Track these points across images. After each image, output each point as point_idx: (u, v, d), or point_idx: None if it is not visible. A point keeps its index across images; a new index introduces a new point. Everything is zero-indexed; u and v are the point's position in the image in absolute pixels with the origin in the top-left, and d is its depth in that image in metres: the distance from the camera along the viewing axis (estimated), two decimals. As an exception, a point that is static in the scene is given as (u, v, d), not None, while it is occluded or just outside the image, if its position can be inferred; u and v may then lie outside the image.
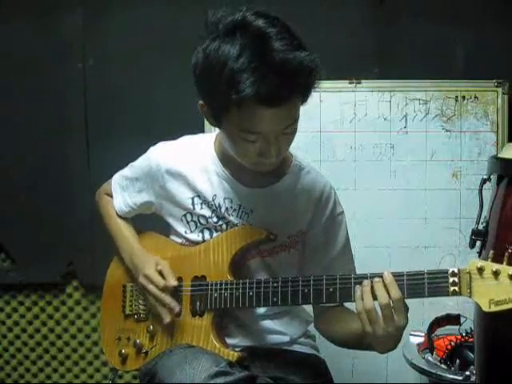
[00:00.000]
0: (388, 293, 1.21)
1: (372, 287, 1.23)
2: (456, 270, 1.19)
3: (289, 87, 1.21)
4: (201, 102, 1.32)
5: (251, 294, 1.38)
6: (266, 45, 1.20)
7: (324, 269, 1.46)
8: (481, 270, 1.16)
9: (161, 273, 1.47)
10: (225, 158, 1.45)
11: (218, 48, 1.22)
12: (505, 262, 1.16)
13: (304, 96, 1.28)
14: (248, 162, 1.36)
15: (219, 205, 1.46)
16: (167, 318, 1.45)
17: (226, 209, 1.45)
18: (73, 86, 2.34)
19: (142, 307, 1.54)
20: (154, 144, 1.55)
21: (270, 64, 1.18)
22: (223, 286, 1.42)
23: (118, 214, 1.62)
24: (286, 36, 1.22)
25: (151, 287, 1.46)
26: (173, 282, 1.45)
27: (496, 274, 1.15)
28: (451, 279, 1.19)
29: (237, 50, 1.20)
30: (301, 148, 1.97)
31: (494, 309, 1.15)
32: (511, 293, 1.13)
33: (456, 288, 1.19)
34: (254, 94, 1.18)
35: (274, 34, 1.21)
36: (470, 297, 1.18)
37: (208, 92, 1.28)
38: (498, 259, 1.17)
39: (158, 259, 1.51)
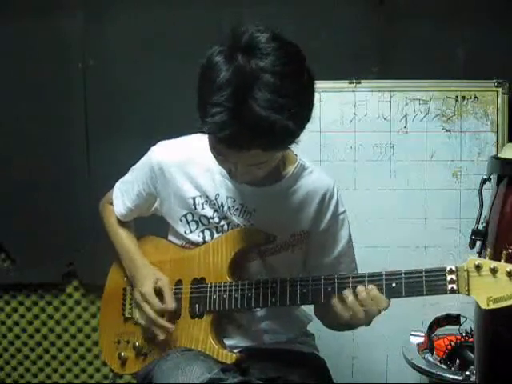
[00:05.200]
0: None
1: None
2: (454, 268, 1.19)
3: (248, 141, 1.16)
4: None
5: (250, 295, 1.38)
6: (251, 90, 1.13)
7: (327, 267, 1.46)
8: (478, 268, 1.16)
9: (160, 291, 1.47)
10: None
11: (214, 66, 1.17)
12: (503, 260, 1.16)
13: (273, 150, 1.23)
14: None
15: (222, 204, 1.45)
16: (161, 337, 1.45)
17: (229, 208, 1.45)
18: (73, 86, 2.34)
19: None
20: (155, 144, 1.55)
21: (242, 112, 1.12)
22: (222, 288, 1.42)
23: (119, 221, 1.62)
24: (276, 89, 1.13)
25: (147, 308, 1.47)
26: (171, 306, 1.45)
27: (494, 271, 1.15)
28: (449, 277, 1.20)
29: (225, 78, 1.14)
30: (301, 148, 1.97)
31: (492, 306, 1.15)
32: (509, 290, 1.13)
33: (454, 286, 1.19)
34: (212, 132, 1.16)
35: (267, 83, 1.13)
36: (468, 294, 1.18)
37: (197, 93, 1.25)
38: (496, 258, 1.17)
39: (159, 275, 1.50)
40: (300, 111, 1.17)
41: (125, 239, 1.61)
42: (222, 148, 1.21)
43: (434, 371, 1.75)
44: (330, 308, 1.32)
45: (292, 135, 1.19)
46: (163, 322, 1.45)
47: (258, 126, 1.13)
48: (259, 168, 1.27)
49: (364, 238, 2.09)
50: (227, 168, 1.30)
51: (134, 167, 1.59)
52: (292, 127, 1.15)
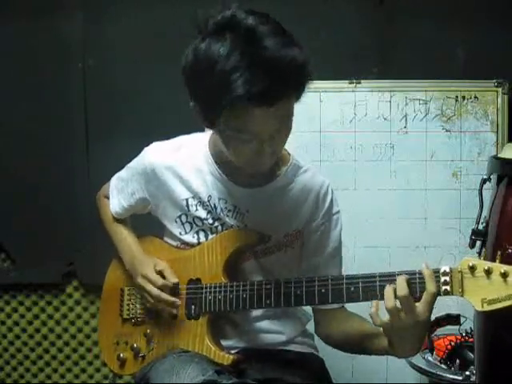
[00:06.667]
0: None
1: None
2: (447, 269, 1.17)
3: (281, 85, 1.18)
4: (192, 103, 1.29)
5: (245, 296, 1.37)
6: (256, 42, 1.16)
7: (318, 269, 1.45)
8: (473, 269, 1.14)
9: (160, 273, 1.48)
10: (219, 158, 1.43)
11: (208, 48, 1.19)
12: (497, 261, 1.15)
13: (298, 93, 1.25)
14: (243, 162, 1.33)
15: (215, 205, 1.45)
16: (170, 314, 1.45)
17: (221, 209, 1.44)
18: (73, 86, 2.34)
19: (139, 311, 1.54)
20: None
21: (261, 62, 1.15)
22: (217, 289, 1.41)
23: (115, 217, 1.62)
24: (278, 33, 1.19)
25: (150, 287, 1.46)
26: (173, 280, 1.45)
27: (488, 272, 1.13)
28: (443, 278, 1.18)
29: (227, 48, 1.16)
30: (301, 148, 1.98)
31: (486, 308, 1.13)
32: (503, 291, 1.11)
33: (447, 287, 1.17)
34: (245, 94, 1.15)
35: (264, 32, 1.17)
36: (462, 296, 1.16)
37: (199, 93, 1.25)
38: (494, 258, 1.17)
39: (157, 260, 1.50)
40: (303, 50, 1.22)
41: (123, 233, 1.61)
42: (250, 112, 1.19)
43: (434, 371, 1.75)
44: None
45: (310, 70, 1.22)
46: (167, 296, 1.44)
47: (281, 67, 1.16)
48: (286, 131, 1.28)
49: (364, 238, 2.10)
50: (250, 151, 1.27)
51: (128, 165, 1.58)
52: (308, 60, 1.20)
